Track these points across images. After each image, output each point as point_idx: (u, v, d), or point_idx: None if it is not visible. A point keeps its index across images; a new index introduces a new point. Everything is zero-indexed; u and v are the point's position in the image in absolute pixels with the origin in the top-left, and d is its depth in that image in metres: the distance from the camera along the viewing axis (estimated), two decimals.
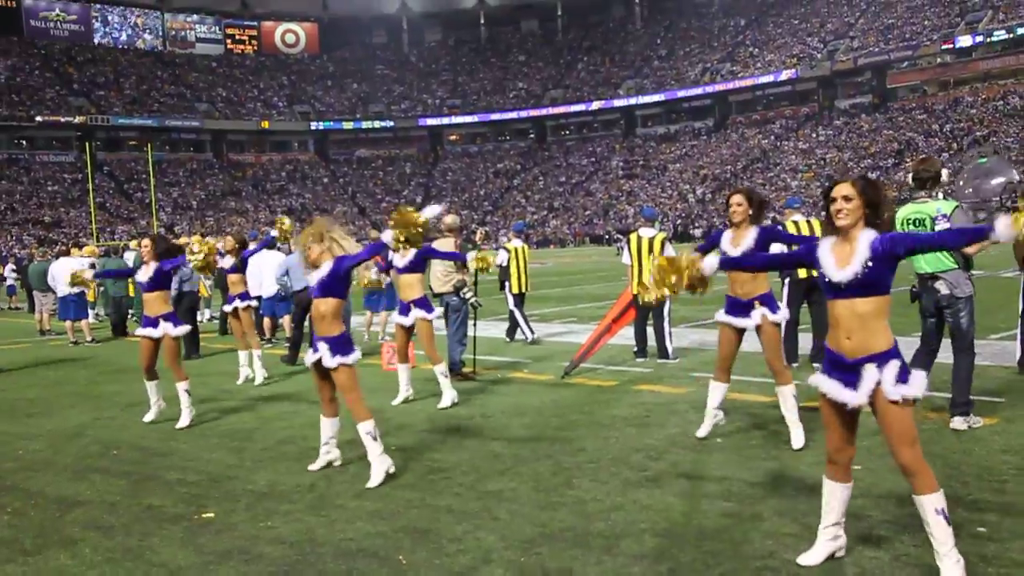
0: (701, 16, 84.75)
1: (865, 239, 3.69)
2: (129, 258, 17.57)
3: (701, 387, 8.07)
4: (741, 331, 5.99)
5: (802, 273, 8.77)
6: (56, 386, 10.34)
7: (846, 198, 3.75)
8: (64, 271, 15.08)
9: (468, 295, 9.26)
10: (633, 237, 9.93)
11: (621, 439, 6.32)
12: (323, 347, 5.59)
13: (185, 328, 7.87)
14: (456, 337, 9.35)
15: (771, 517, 4.50)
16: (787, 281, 8.95)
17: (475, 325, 9.90)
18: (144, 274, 7.70)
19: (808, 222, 9.04)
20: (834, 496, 3.89)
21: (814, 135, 66.74)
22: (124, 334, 15.78)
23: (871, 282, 3.64)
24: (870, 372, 3.63)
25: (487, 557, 4.17)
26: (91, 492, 5.61)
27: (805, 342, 9.16)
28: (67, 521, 5.03)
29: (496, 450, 6.19)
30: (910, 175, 6.22)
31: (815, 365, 8.72)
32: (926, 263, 6.02)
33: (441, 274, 9.35)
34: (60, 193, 67.54)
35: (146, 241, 7.87)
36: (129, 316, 16.87)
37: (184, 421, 7.52)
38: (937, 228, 5.90)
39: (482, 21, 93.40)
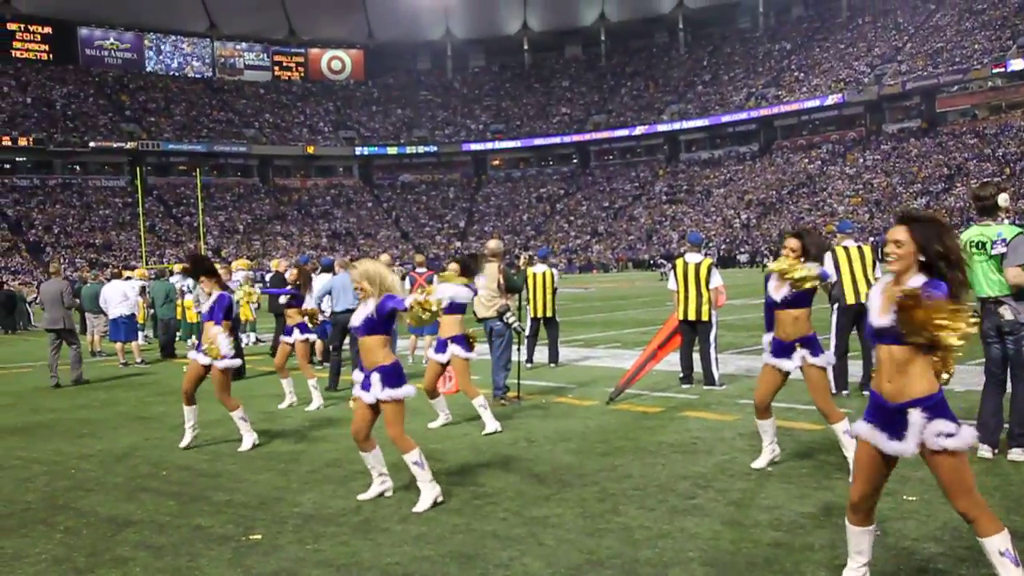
0: (745, 41, 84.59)
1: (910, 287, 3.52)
2: (176, 281, 17.86)
3: (748, 414, 7.97)
4: (785, 373, 5.91)
5: (850, 299, 8.64)
6: (107, 407, 10.52)
7: (896, 242, 3.60)
8: (115, 293, 15.39)
9: (511, 320, 9.25)
10: (679, 263, 9.87)
11: (668, 466, 6.26)
12: (375, 378, 5.54)
13: (235, 362, 7.77)
14: (500, 362, 9.34)
15: (822, 548, 4.41)
16: (835, 307, 8.83)
17: (519, 350, 9.90)
18: (206, 305, 7.82)
19: (859, 248, 8.91)
20: (861, 540, 3.77)
21: (861, 160, 66.04)
22: (173, 355, 16.03)
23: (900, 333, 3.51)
24: (915, 418, 3.50)
25: None
26: (141, 512, 5.68)
27: (855, 369, 9.01)
28: (118, 540, 5.09)
29: (541, 475, 6.15)
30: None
31: (865, 393, 8.58)
32: (988, 286, 5.87)
33: (485, 299, 9.36)
34: (111, 216, 69.01)
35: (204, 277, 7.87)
36: (177, 338, 17.15)
37: (246, 444, 7.57)
38: (993, 251, 5.79)
39: (525, 47, 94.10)
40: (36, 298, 33.22)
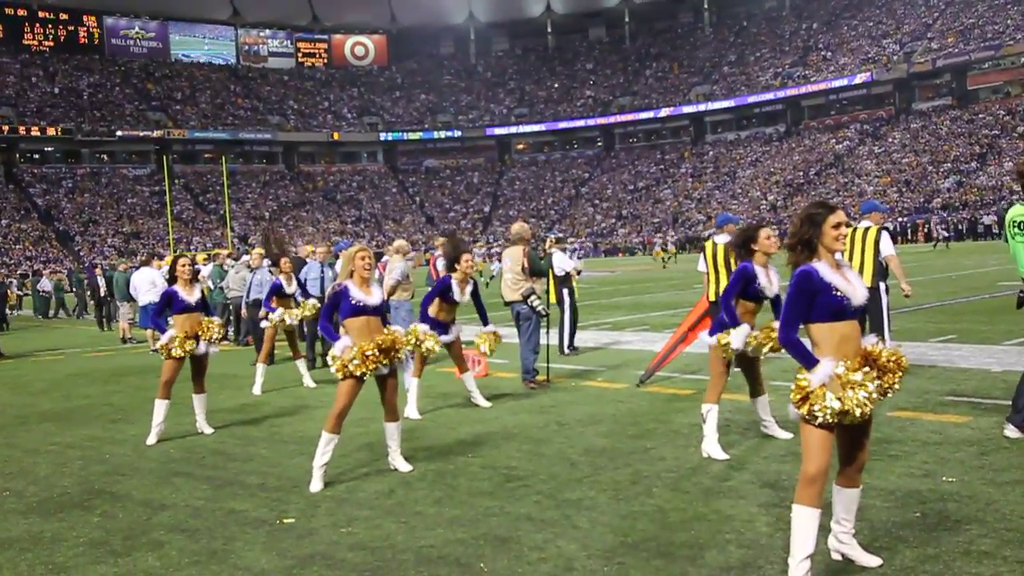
0: (772, 20, 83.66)
1: None
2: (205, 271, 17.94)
3: (781, 395, 7.88)
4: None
5: None
6: (138, 392, 10.60)
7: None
8: (144, 281, 15.48)
9: (536, 303, 9.22)
10: (708, 244, 9.72)
11: (700, 448, 6.20)
12: None
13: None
14: (529, 345, 9.31)
15: (861, 529, 4.35)
16: None
17: (547, 333, 9.86)
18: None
19: (866, 230, 8.68)
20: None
21: (890, 139, 65.21)
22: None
23: None
24: None
25: (569, 565, 4.12)
26: (176, 496, 5.71)
27: None
28: (154, 524, 5.13)
29: (573, 458, 6.13)
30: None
31: None
32: None
33: (511, 283, 9.33)
34: (139, 205, 69.63)
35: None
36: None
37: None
38: None
39: (549, 29, 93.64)
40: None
